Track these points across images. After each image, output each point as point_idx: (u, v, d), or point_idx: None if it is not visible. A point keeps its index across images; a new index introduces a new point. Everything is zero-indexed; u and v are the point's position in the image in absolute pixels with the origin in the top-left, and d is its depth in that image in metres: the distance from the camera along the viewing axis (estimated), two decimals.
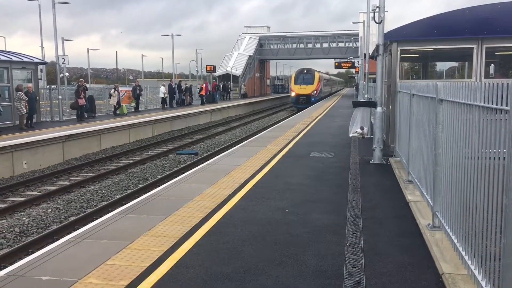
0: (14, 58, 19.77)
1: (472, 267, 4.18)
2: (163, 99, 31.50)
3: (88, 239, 5.74)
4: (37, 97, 20.48)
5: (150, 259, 5.04)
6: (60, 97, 22.67)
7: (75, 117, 22.65)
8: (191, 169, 12.07)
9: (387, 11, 11.02)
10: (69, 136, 16.79)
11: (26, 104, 18.24)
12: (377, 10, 10.70)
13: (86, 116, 23.12)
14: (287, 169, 10.12)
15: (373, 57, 17.22)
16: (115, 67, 79.84)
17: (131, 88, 30.35)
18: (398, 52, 11.16)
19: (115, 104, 25.60)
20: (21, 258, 6.66)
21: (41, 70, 22.55)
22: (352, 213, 6.70)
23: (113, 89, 26.03)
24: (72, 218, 9.63)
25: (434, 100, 5.83)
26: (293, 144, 13.98)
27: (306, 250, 5.26)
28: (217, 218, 6.49)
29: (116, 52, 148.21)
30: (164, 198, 7.72)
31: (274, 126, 21.55)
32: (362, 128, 15.19)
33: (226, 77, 51.82)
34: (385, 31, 10.93)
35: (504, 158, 3.38)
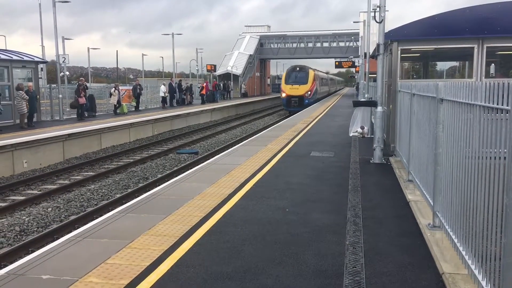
0: (15, 57, 19.78)
1: (473, 267, 4.18)
2: (164, 98, 31.49)
3: (88, 238, 5.74)
4: (38, 96, 20.48)
5: (150, 258, 5.04)
6: (60, 96, 22.68)
7: (76, 116, 22.65)
8: (191, 168, 12.07)
9: (387, 11, 11.01)
10: (70, 135, 16.79)
11: (27, 103, 18.25)
12: (378, 9, 10.70)
13: (86, 115, 23.13)
14: (288, 168, 10.12)
15: (374, 56, 17.26)
16: (116, 66, 79.91)
17: (131, 87, 30.33)
18: (399, 52, 11.15)
19: (116, 103, 25.59)
20: (21, 257, 6.66)
21: (42, 69, 22.49)
22: (353, 212, 6.70)
23: (113, 88, 26.02)
24: (73, 217, 9.63)
25: (434, 99, 5.82)
26: (294, 144, 13.97)
27: (306, 250, 5.26)
28: (218, 218, 6.49)
29: (117, 51, 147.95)
30: (164, 197, 7.72)
31: (274, 125, 21.55)
32: (362, 128, 15.19)
33: (227, 76, 51.82)
34: (386, 31, 10.93)
35: (504, 157, 3.38)
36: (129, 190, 11.74)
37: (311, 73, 38.92)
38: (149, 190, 9.21)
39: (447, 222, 5.29)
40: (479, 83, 4.11)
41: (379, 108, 10.95)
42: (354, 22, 42.37)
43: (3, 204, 10.65)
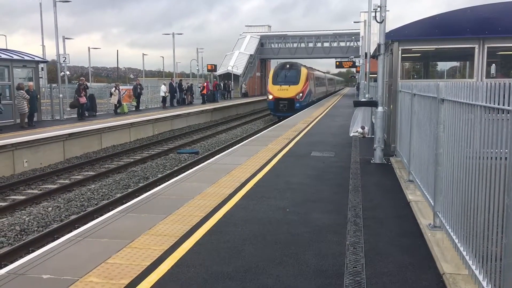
0: (15, 57, 19.78)
1: (473, 267, 4.17)
2: (164, 98, 31.49)
3: (89, 237, 5.73)
4: (38, 96, 20.48)
5: (151, 258, 5.04)
6: (61, 95, 22.69)
7: (76, 116, 22.66)
8: (191, 168, 12.08)
9: (388, 11, 11.00)
10: (70, 134, 16.80)
11: (28, 103, 18.24)
12: (379, 9, 10.70)
13: (87, 114, 23.13)
14: (288, 168, 10.12)
15: (374, 56, 17.26)
16: (116, 66, 79.83)
17: (132, 87, 30.34)
18: (400, 52, 11.14)
19: (116, 103, 25.60)
20: (21, 257, 6.66)
21: (42, 68, 22.43)
22: (353, 212, 6.70)
23: (114, 88, 26.02)
24: (73, 217, 9.64)
25: (435, 99, 5.82)
26: (294, 144, 13.97)
27: (306, 250, 5.26)
28: (218, 217, 6.48)
29: (117, 50, 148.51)
30: (164, 197, 7.71)
31: (275, 125, 21.53)
32: (363, 128, 15.19)
33: (227, 76, 51.83)
34: (386, 31, 10.92)
35: (505, 158, 3.38)
36: (130, 190, 11.75)
37: (304, 71, 32.22)
38: (149, 190, 9.21)
39: (447, 222, 5.28)
40: (480, 83, 4.10)
41: (380, 108, 10.94)
42: (354, 22, 42.42)
43: (3, 204, 10.65)
